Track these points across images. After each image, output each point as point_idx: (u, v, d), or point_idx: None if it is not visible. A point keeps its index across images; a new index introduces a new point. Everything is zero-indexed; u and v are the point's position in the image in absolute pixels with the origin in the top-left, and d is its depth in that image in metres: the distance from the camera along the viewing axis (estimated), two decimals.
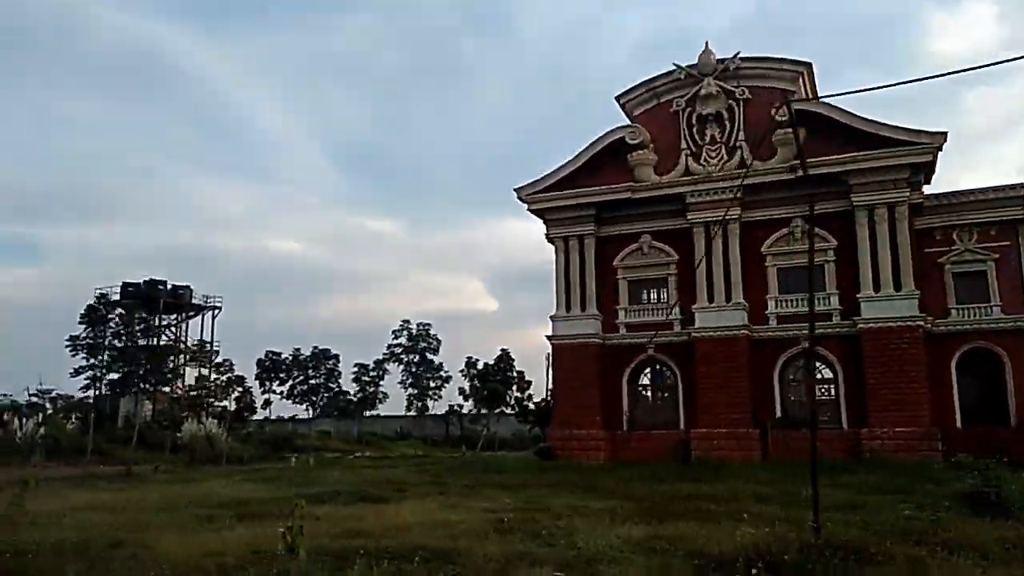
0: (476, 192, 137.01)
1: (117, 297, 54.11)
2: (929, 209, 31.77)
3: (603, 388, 33.89)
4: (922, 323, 29.84)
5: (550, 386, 35.58)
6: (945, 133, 29.87)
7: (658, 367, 34.51)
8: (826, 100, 32.27)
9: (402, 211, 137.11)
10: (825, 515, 11.17)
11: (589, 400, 33.60)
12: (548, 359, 35.43)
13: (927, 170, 31.19)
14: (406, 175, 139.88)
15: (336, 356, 63.47)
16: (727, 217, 32.98)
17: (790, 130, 32.21)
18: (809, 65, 33.23)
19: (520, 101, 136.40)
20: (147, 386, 51.28)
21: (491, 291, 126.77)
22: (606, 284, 35.10)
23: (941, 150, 30.06)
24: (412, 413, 65.39)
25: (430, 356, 59.13)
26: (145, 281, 54.90)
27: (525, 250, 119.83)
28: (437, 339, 59.24)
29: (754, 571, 7.00)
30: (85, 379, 51.51)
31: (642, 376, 34.95)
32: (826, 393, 32.01)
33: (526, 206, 36.16)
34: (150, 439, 45.18)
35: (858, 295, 30.83)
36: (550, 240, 36.45)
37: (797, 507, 13.12)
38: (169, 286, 55.47)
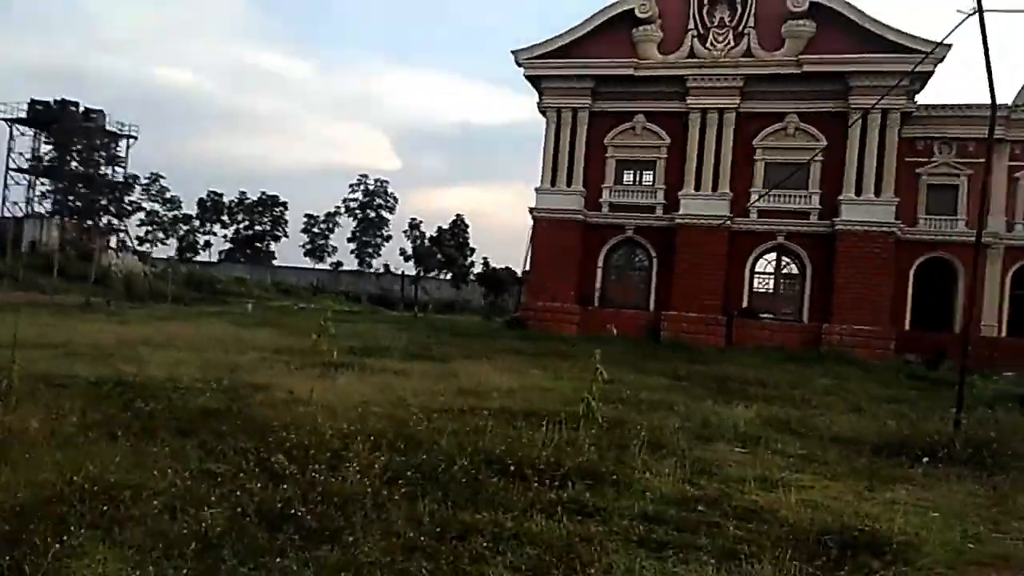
0: (391, 38, 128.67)
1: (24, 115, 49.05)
2: (915, 119, 32.51)
3: (580, 264, 34.39)
4: (896, 230, 31.26)
5: (528, 256, 35.75)
6: (950, 45, 30.12)
7: (635, 249, 35.11)
8: None
9: (309, 50, 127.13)
10: (889, 407, 12.00)
11: (566, 274, 34.09)
12: (531, 230, 35.38)
13: (924, 80, 31.66)
14: (315, 9, 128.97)
15: (284, 204, 61.26)
16: (726, 105, 32.91)
17: (802, 22, 31.91)
18: None
19: None
20: (111, 218, 48.17)
21: (396, 149, 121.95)
22: (593, 161, 34.81)
23: (943, 61, 30.45)
24: (325, 267, 63.80)
25: (385, 214, 58.00)
26: (56, 101, 49.61)
27: (435, 110, 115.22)
28: (394, 197, 57.97)
29: (926, 460, 7.52)
30: (53, 205, 47.31)
31: (618, 256, 35.53)
32: (791, 287, 33.59)
33: (522, 71, 34.85)
34: (68, 270, 43.29)
35: (839, 197, 31.81)
36: (542, 110, 35.54)
37: (837, 395, 13.97)
38: (82, 109, 50.52)
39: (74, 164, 47.26)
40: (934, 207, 32.93)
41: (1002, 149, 32.35)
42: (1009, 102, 32.29)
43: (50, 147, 48.05)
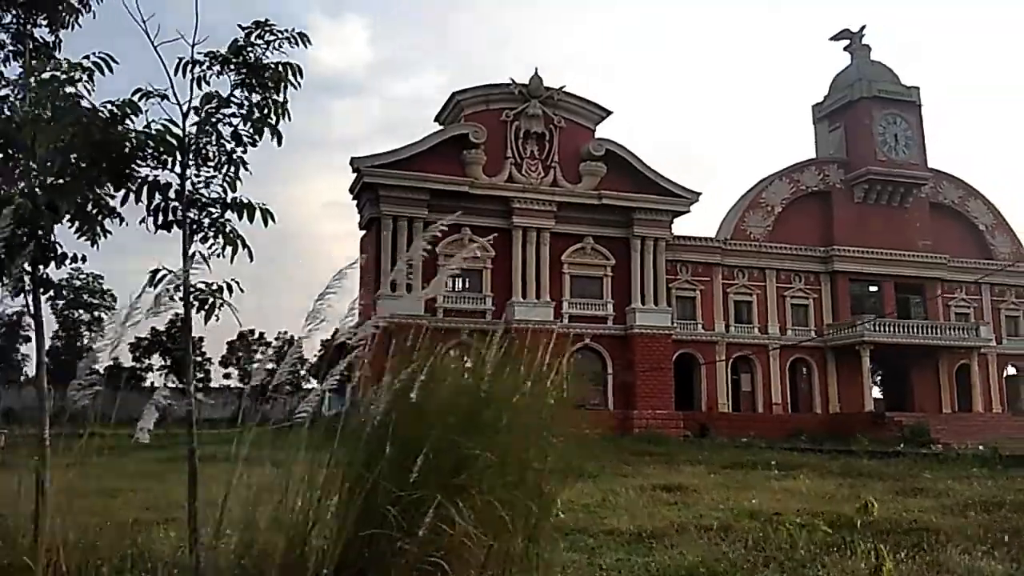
0: None
1: None
2: (668, 246, 41.81)
3: None
4: (672, 332, 39.50)
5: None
6: (700, 193, 40.36)
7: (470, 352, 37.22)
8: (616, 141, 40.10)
9: None
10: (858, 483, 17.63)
11: None
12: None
13: (678, 215, 41.23)
14: None
15: None
16: (542, 226, 38.04)
17: (597, 163, 39.13)
18: (610, 112, 40.47)
19: None
20: None
21: None
22: (427, 269, 36.28)
23: (696, 202, 40.41)
24: None
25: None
26: None
27: None
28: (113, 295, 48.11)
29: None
30: None
31: None
32: (599, 380, 39.37)
33: (362, 178, 35.25)
34: None
35: (630, 306, 39.01)
36: (375, 218, 36.16)
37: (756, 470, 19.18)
38: None
39: None
40: (681, 314, 42.26)
41: (717, 272, 43.45)
42: (716, 235, 43.77)
43: None
